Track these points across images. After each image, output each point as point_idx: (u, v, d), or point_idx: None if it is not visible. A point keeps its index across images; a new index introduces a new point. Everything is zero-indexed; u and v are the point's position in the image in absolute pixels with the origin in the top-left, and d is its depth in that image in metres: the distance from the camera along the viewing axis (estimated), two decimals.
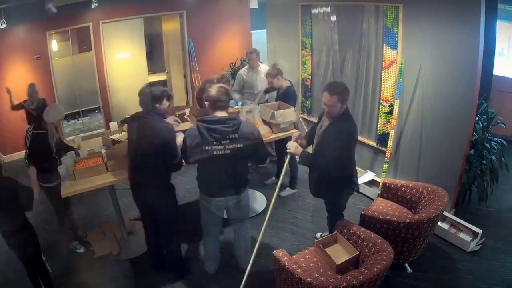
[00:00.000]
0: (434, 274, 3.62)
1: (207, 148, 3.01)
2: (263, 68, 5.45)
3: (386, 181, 4.06)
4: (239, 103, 5.63)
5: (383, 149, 4.82)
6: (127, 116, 4.15)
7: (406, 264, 3.66)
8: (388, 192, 4.00)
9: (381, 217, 3.42)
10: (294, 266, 2.85)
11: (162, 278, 3.75)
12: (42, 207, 4.84)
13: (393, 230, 3.38)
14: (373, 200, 4.76)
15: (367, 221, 3.52)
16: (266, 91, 5.14)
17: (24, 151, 3.82)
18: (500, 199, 4.69)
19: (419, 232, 3.35)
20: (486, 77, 4.55)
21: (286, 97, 4.75)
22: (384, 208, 3.79)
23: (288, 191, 5.17)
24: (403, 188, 3.89)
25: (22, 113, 6.27)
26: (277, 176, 5.40)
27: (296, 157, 3.40)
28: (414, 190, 3.81)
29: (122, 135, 4.22)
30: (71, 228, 4.26)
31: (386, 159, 4.67)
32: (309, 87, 5.99)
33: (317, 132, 3.40)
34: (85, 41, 6.93)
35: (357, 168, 5.40)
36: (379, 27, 4.58)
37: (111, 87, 7.22)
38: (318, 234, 4.22)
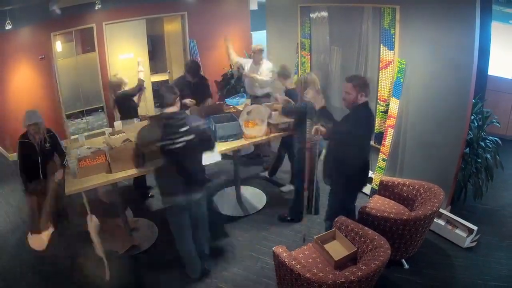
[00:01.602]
0: (430, 270, 3.63)
1: None
2: (266, 64, 5.47)
3: (383, 179, 4.06)
4: (239, 103, 5.63)
5: (380, 147, 4.82)
6: None
7: (403, 260, 3.66)
8: (385, 189, 4.01)
9: (378, 214, 3.43)
10: (293, 262, 2.86)
11: (165, 274, 3.76)
12: None
13: (390, 227, 3.39)
14: (370, 196, 4.78)
15: (364, 218, 3.53)
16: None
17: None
18: (495, 196, 4.70)
19: (415, 229, 3.36)
20: (481, 77, 4.57)
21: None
22: (381, 205, 3.80)
23: (288, 187, 5.17)
24: (400, 186, 3.90)
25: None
26: (270, 174, 5.44)
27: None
28: (410, 187, 3.82)
29: (124, 135, 4.23)
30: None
31: (384, 157, 4.68)
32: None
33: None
34: (88, 42, 6.92)
35: None
36: (376, 28, 4.58)
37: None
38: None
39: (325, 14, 5.34)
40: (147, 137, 3.09)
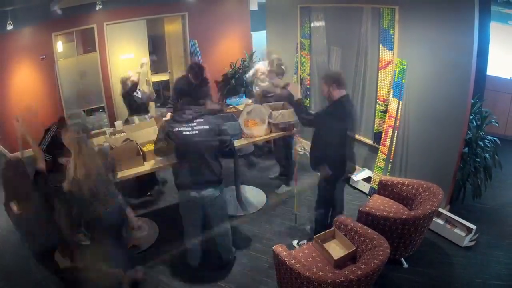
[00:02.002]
0: (429, 269, 3.62)
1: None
2: None
3: (382, 178, 4.05)
4: (239, 102, 5.63)
5: (379, 147, 4.82)
6: None
7: (403, 259, 3.65)
8: (384, 189, 4.00)
9: (378, 214, 3.42)
10: (293, 261, 2.85)
11: (167, 272, 3.76)
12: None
13: (389, 226, 3.38)
14: (369, 196, 4.78)
15: (364, 217, 3.52)
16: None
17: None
18: (494, 196, 4.69)
19: (415, 228, 3.35)
20: (480, 77, 4.56)
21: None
22: (380, 204, 3.79)
23: (283, 188, 5.17)
24: (399, 186, 3.88)
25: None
26: (282, 175, 5.39)
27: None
28: (410, 187, 3.81)
29: (124, 135, 4.22)
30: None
31: (384, 156, 4.67)
32: (308, 87, 5.99)
33: None
34: (89, 42, 6.91)
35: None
36: (375, 28, 4.58)
37: (115, 87, 7.22)
38: (295, 242, 4.13)
39: (325, 14, 5.33)
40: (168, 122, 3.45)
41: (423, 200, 3.57)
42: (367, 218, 3.49)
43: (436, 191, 3.56)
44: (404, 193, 3.84)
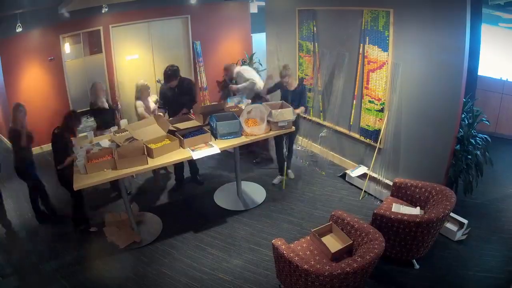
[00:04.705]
0: (422, 262, 3.62)
1: None
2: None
3: (396, 180, 3.97)
4: (240, 102, 5.61)
5: (374, 144, 4.81)
6: None
7: (414, 260, 3.57)
8: (398, 191, 3.93)
9: (392, 216, 3.33)
10: (291, 254, 2.85)
11: (169, 266, 3.76)
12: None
13: (403, 228, 3.30)
14: (362, 190, 4.80)
15: (379, 219, 3.42)
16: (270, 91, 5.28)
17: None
18: (485, 191, 4.68)
19: (428, 231, 3.27)
20: (471, 77, 4.55)
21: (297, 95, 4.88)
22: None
23: (279, 179, 5.22)
24: (412, 188, 3.81)
25: (42, 109, 6.29)
26: (280, 171, 5.35)
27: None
28: (423, 189, 3.73)
29: (127, 134, 4.21)
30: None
31: (379, 144, 4.66)
32: (308, 87, 5.97)
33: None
34: (95, 44, 6.90)
35: (351, 162, 5.44)
36: (371, 30, 4.56)
37: (120, 87, 7.21)
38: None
39: (322, 17, 5.31)
40: None
41: (436, 203, 3.49)
42: (381, 220, 3.41)
43: (448, 194, 3.47)
44: (417, 196, 3.77)
